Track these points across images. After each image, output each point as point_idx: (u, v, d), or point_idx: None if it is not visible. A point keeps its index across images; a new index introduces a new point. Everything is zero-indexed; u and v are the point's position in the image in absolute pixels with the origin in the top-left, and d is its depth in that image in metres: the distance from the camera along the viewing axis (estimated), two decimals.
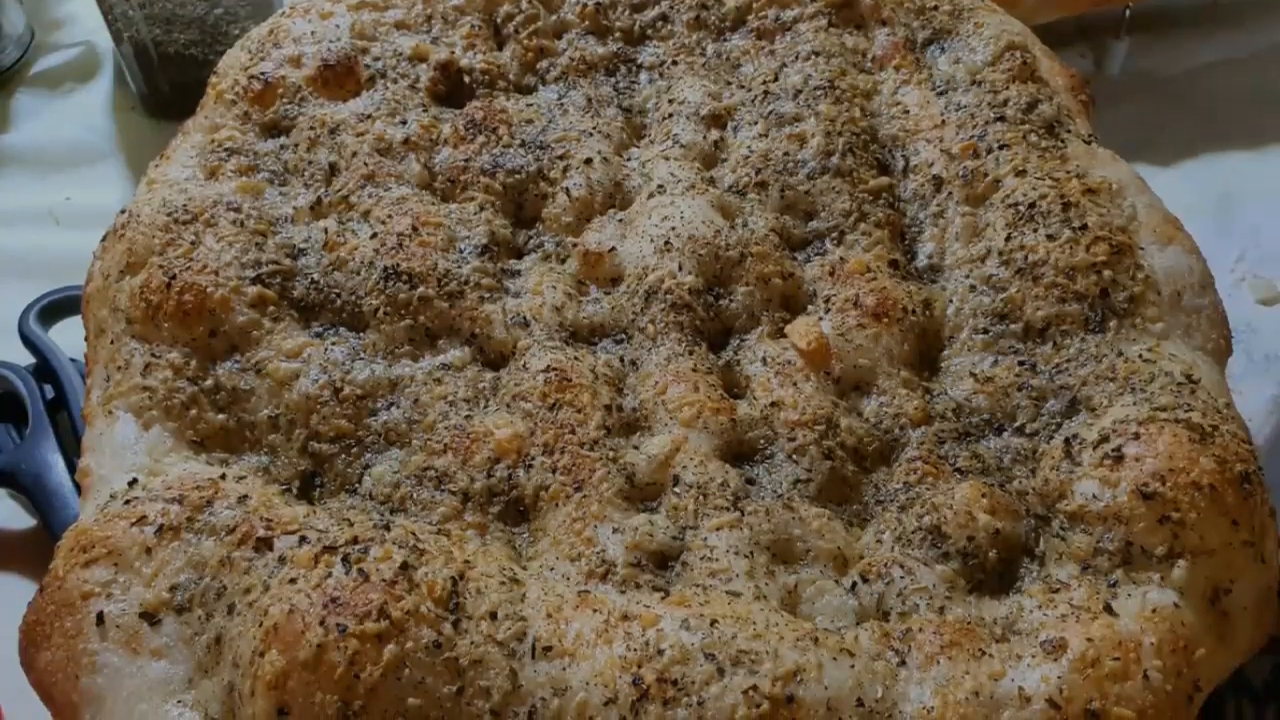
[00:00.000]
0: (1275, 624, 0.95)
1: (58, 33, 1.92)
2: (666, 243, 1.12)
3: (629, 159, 1.24)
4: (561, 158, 1.21)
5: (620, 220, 1.17)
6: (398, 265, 1.09)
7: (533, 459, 0.99)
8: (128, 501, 0.95)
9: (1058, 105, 1.23)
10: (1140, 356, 1.03)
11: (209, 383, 1.03)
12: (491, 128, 1.23)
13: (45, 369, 1.32)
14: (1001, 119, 1.21)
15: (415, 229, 1.12)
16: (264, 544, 0.91)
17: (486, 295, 1.10)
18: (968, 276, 1.12)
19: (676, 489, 0.98)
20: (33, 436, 1.26)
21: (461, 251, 1.13)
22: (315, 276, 1.11)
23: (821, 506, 0.98)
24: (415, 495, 0.99)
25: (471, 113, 1.25)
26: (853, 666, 0.85)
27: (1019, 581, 0.95)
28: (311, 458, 1.02)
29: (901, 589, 0.92)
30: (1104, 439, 0.97)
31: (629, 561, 0.93)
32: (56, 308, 1.38)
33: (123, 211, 1.13)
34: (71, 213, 1.65)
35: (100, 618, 0.89)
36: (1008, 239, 1.12)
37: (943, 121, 1.23)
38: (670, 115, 1.27)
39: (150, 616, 0.89)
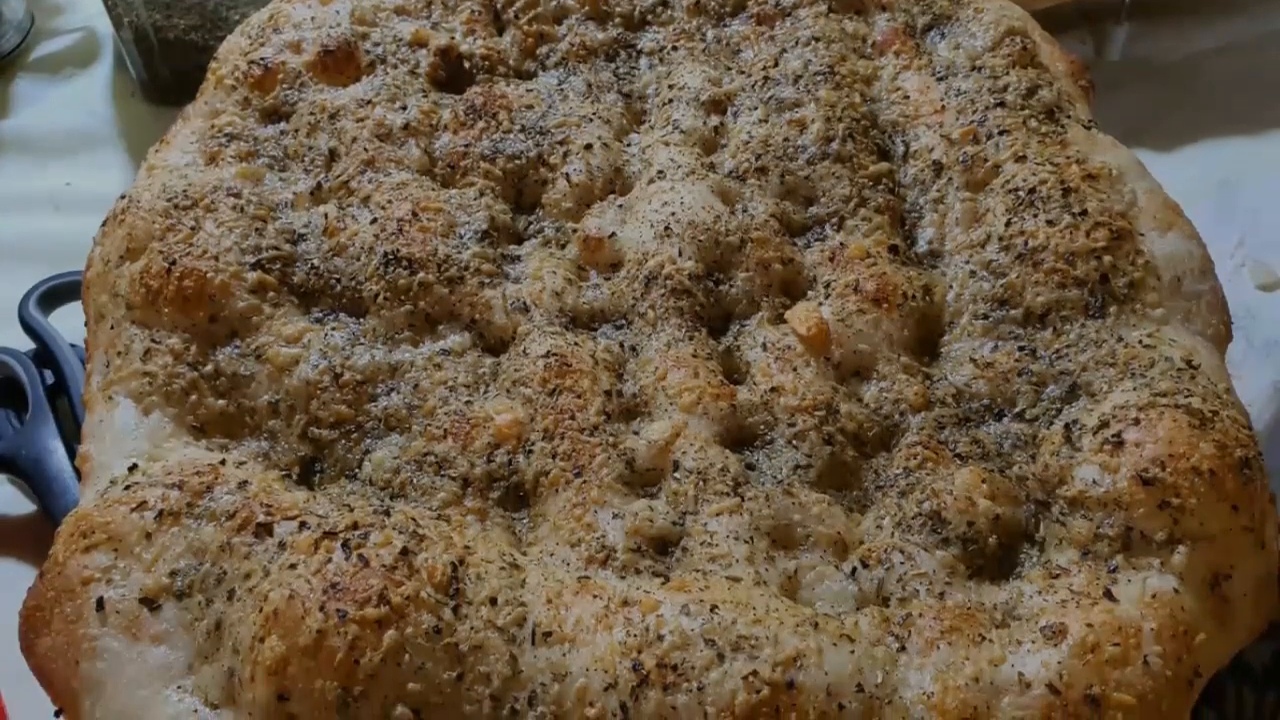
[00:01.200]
0: (1275, 609, 0.95)
1: (58, 18, 1.91)
2: (666, 228, 1.12)
3: (629, 144, 1.24)
4: (561, 143, 1.21)
5: (620, 206, 1.17)
6: (398, 250, 1.09)
7: (533, 444, 0.99)
8: (128, 487, 0.95)
9: (1058, 90, 1.23)
10: (1140, 342, 1.03)
11: (209, 368, 1.03)
12: (491, 113, 1.22)
13: (45, 354, 1.32)
14: (1001, 104, 1.21)
15: (415, 214, 1.12)
16: (264, 529, 0.91)
17: (486, 281, 1.10)
18: (968, 262, 1.12)
19: (676, 474, 0.97)
20: (33, 422, 1.26)
21: (461, 237, 1.12)
22: (315, 262, 1.10)
23: (821, 492, 0.98)
24: (415, 481, 0.99)
25: (471, 98, 1.24)
26: (853, 652, 0.85)
27: (1019, 567, 0.95)
28: (311, 443, 1.02)
29: (901, 574, 0.92)
30: (1104, 424, 0.97)
31: (629, 547, 0.93)
32: (57, 293, 1.38)
33: (123, 197, 1.13)
34: (71, 198, 1.65)
35: (100, 603, 0.89)
36: (1008, 224, 1.11)
37: (943, 107, 1.23)
38: (670, 101, 1.27)
39: (150, 602, 0.89)
